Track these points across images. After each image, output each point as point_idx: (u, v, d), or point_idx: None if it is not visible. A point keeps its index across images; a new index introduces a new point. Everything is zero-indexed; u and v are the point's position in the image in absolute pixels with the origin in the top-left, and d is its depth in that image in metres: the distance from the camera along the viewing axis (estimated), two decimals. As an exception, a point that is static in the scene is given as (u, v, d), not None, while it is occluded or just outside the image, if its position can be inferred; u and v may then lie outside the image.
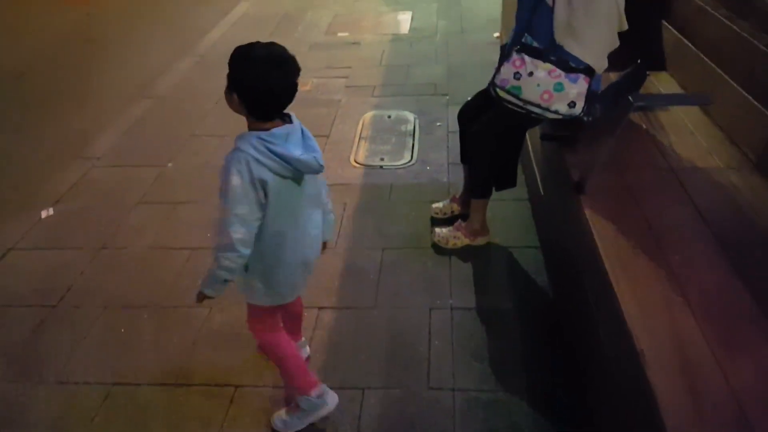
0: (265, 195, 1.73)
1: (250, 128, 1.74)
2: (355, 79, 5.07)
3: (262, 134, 1.69)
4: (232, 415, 2.27)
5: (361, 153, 3.95)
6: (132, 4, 7.48)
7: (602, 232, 2.04)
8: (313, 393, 2.14)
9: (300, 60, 1.72)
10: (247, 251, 1.77)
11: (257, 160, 1.68)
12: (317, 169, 1.79)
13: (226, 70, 1.68)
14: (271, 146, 1.68)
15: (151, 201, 3.57)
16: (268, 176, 1.70)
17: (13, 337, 2.65)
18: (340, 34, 6.09)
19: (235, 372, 2.43)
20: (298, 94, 1.79)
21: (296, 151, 1.72)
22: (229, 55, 1.67)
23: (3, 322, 2.75)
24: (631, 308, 1.74)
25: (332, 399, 2.19)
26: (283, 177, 1.74)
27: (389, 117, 4.40)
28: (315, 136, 1.84)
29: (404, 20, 6.39)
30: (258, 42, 1.69)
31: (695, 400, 1.48)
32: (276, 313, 2.13)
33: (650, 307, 1.75)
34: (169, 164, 3.91)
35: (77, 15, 7.16)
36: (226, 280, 1.84)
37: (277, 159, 1.69)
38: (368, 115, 4.44)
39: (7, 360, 2.54)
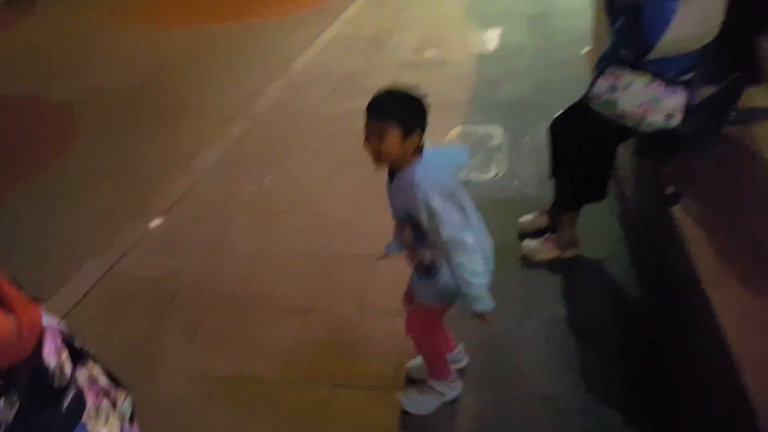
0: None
1: (404, 163, 1.86)
2: (443, 96, 5.10)
3: (422, 161, 1.86)
4: (330, 412, 2.40)
5: (449, 167, 4.01)
6: (231, 29, 7.93)
7: (698, 247, 2.03)
8: (450, 378, 2.34)
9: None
10: (479, 256, 1.89)
11: (436, 179, 1.83)
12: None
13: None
14: (432, 167, 1.85)
15: (252, 212, 3.79)
16: (450, 185, 1.89)
17: (125, 337, 2.89)
18: (427, 53, 6.21)
19: (332, 372, 2.56)
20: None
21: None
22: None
23: (118, 322, 3.00)
24: (730, 325, 1.72)
25: (459, 385, 2.38)
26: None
27: (477, 132, 4.47)
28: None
29: (492, 37, 6.43)
30: (411, 89, 1.87)
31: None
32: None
33: (750, 324, 1.73)
34: (268, 177, 4.13)
35: (185, 36, 7.72)
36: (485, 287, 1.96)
37: (444, 172, 1.89)
38: (456, 130, 4.51)
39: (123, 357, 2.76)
